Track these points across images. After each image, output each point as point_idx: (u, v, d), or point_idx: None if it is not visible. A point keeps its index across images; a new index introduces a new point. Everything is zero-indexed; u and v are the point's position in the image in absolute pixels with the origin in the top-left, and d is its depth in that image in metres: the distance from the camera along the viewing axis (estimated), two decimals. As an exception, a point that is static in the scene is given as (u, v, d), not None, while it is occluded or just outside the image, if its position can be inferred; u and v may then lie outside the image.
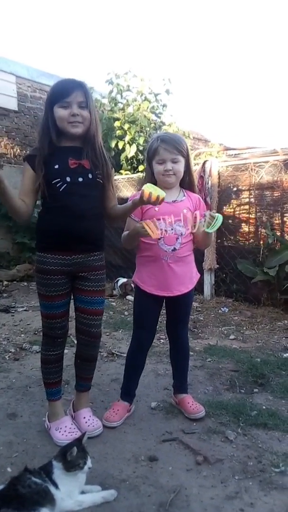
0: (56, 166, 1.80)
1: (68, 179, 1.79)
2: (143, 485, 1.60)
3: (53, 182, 1.79)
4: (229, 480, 1.63)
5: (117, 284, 5.33)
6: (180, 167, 1.97)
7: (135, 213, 1.96)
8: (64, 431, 1.89)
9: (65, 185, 1.79)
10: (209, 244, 2.13)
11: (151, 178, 2.03)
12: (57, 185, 1.79)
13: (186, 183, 2.07)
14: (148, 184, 1.76)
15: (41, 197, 1.85)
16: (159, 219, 1.88)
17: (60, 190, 1.79)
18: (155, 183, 2.03)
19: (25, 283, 6.13)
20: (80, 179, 1.82)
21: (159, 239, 1.91)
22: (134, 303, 2.18)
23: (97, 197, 1.89)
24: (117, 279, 5.42)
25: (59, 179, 1.79)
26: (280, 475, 1.64)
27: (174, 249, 1.96)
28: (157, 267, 1.98)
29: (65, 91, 1.77)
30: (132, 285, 5.12)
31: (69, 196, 1.79)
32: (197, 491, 1.56)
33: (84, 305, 1.94)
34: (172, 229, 1.93)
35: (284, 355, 3.05)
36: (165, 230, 1.92)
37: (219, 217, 1.85)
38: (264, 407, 2.20)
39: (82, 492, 1.50)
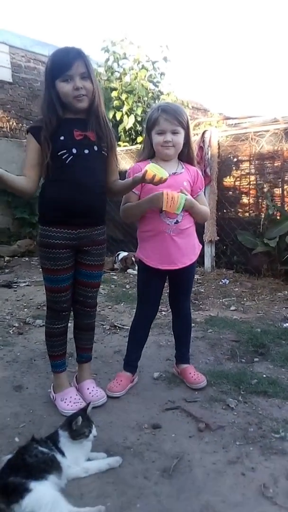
0: (62, 138, 1.77)
1: (74, 150, 1.77)
2: (147, 452, 1.65)
3: (59, 153, 1.76)
4: (230, 446, 1.67)
5: (117, 258, 5.35)
6: (180, 139, 1.94)
7: None
8: (70, 402, 1.94)
9: (71, 157, 1.77)
10: (202, 218, 2.10)
11: (150, 149, 2.00)
12: (63, 157, 1.76)
13: (185, 155, 2.04)
14: (152, 164, 1.75)
15: (45, 171, 1.81)
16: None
17: (66, 162, 1.76)
18: (153, 154, 2.00)
19: (27, 258, 6.15)
20: (86, 151, 1.79)
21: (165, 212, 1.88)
22: (138, 278, 2.18)
23: (102, 170, 1.88)
24: (118, 253, 5.43)
25: (65, 151, 1.76)
26: (280, 441, 1.69)
27: (177, 222, 1.95)
28: (161, 241, 1.97)
29: (65, 64, 1.70)
30: (133, 258, 5.14)
31: (75, 169, 1.77)
32: (200, 456, 1.61)
33: (83, 278, 1.96)
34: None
35: (284, 325, 3.09)
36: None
37: (182, 197, 1.83)
38: (264, 376, 2.25)
39: (88, 460, 1.55)
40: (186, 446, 1.68)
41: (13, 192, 1.78)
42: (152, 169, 1.71)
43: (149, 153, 2.02)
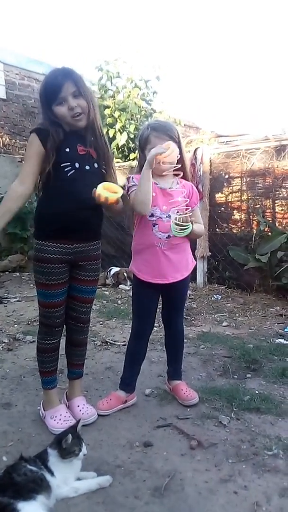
0: (67, 150, 1.78)
1: (77, 165, 1.79)
2: (138, 471, 1.62)
3: (62, 165, 1.77)
4: (223, 463, 1.65)
5: (109, 273, 5.33)
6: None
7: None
8: (59, 419, 1.90)
9: (73, 170, 1.78)
10: (197, 236, 2.11)
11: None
12: (65, 169, 1.77)
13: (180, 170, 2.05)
14: (101, 185, 1.76)
15: (43, 182, 1.81)
16: (154, 206, 1.89)
17: (68, 175, 1.78)
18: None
19: (18, 274, 6.10)
20: (87, 167, 1.82)
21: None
22: (132, 292, 2.17)
23: None
24: (110, 268, 5.41)
25: (68, 163, 1.78)
26: (273, 458, 1.67)
27: (169, 236, 1.96)
28: (152, 254, 1.97)
29: (56, 87, 1.73)
30: (125, 274, 5.13)
31: (75, 183, 1.78)
32: (192, 475, 1.59)
33: (77, 293, 1.95)
34: (167, 216, 1.93)
35: (276, 340, 3.09)
36: (160, 217, 1.92)
37: (190, 227, 1.88)
38: (257, 392, 2.23)
39: (78, 479, 1.51)
40: (178, 464, 1.65)
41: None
42: (100, 191, 1.74)
43: None
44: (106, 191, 1.75)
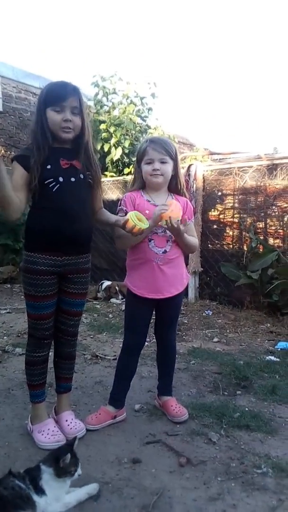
0: (49, 167, 1.79)
1: (60, 179, 1.79)
2: (126, 488, 1.59)
3: (45, 182, 1.77)
4: (212, 481, 1.63)
5: (101, 287, 5.32)
6: (168, 168, 1.98)
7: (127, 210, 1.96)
8: (47, 434, 1.87)
9: (58, 185, 1.79)
10: (190, 249, 2.11)
11: (141, 180, 2.04)
12: (50, 185, 1.78)
13: (174, 186, 2.08)
14: (134, 213, 1.80)
15: (32, 197, 1.82)
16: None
17: (53, 190, 1.78)
18: (144, 185, 2.04)
19: (9, 285, 6.06)
20: (73, 179, 1.83)
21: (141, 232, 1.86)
22: (125, 307, 2.16)
23: (87, 197, 1.91)
24: (101, 281, 5.41)
25: (52, 179, 1.78)
26: (262, 476, 1.66)
27: (165, 251, 1.97)
28: (148, 269, 1.98)
29: (61, 95, 1.76)
30: (117, 287, 5.12)
31: (62, 197, 1.79)
32: (180, 492, 1.57)
33: (66, 307, 1.94)
34: (162, 232, 1.95)
35: (267, 357, 3.09)
36: (156, 233, 1.93)
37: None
38: (246, 409, 2.22)
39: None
40: (166, 482, 1.63)
41: (2, 198, 1.69)
42: (133, 219, 1.77)
43: (140, 184, 2.06)
44: (136, 220, 1.78)
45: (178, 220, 1.87)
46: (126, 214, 1.89)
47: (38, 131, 1.80)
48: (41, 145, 1.78)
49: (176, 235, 1.94)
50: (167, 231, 1.94)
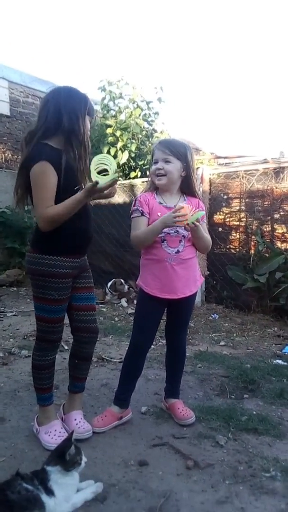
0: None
1: (83, 185, 1.80)
2: (133, 490, 1.58)
3: (75, 188, 1.78)
4: (220, 484, 1.61)
5: (107, 287, 5.30)
6: (172, 167, 1.95)
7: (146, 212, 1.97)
8: (54, 435, 1.86)
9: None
10: (205, 245, 2.05)
11: (153, 183, 2.04)
12: (76, 190, 1.79)
13: (187, 188, 2.05)
14: (97, 158, 1.74)
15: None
16: None
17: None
18: (156, 187, 2.03)
19: (15, 288, 6.08)
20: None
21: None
22: (136, 305, 2.15)
23: None
24: (106, 284, 5.41)
25: (78, 187, 1.79)
26: (271, 480, 1.64)
27: (178, 251, 1.96)
28: (161, 269, 1.97)
29: (93, 110, 1.92)
30: (122, 281, 5.16)
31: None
32: (187, 495, 1.55)
33: (81, 302, 1.97)
34: (175, 232, 1.94)
35: (274, 361, 3.06)
36: (168, 233, 1.93)
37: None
38: (254, 413, 2.20)
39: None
40: (173, 485, 1.61)
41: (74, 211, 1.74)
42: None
43: (154, 185, 2.05)
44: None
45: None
46: (142, 215, 1.95)
47: (85, 140, 1.81)
48: (82, 155, 1.80)
49: (193, 234, 1.96)
50: (179, 232, 1.94)
